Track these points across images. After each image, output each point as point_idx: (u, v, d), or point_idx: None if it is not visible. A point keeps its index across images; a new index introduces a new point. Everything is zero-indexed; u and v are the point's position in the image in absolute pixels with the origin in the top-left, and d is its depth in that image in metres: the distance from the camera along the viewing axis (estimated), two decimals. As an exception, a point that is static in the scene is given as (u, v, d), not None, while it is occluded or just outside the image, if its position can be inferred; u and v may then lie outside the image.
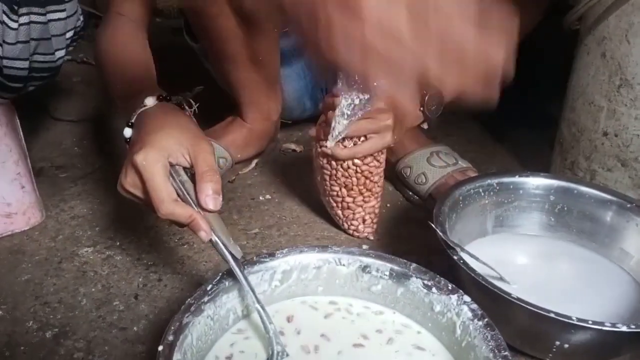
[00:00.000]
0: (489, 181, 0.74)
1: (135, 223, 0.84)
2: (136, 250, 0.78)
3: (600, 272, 0.69)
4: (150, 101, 0.64)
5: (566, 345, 0.55)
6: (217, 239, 0.56)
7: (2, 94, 0.73)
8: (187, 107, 0.71)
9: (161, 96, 0.65)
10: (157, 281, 0.73)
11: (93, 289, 0.71)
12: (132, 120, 0.64)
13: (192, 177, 0.58)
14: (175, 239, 0.80)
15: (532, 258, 0.72)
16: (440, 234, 0.62)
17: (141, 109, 0.64)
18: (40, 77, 0.78)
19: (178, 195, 0.57)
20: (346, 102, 0.69)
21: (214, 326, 0.55)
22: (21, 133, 0.83)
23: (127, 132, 0.65)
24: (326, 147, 0.73)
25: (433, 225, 0.63)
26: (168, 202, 0.55)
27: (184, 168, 0.59)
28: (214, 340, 0.55)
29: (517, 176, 0.75)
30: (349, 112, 0.70)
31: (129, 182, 0.58)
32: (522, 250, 0.72)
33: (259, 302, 0.55)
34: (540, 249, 0.73)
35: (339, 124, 0.71)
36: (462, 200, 0.71)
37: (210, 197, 0.56)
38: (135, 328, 0.66)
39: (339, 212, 0.80)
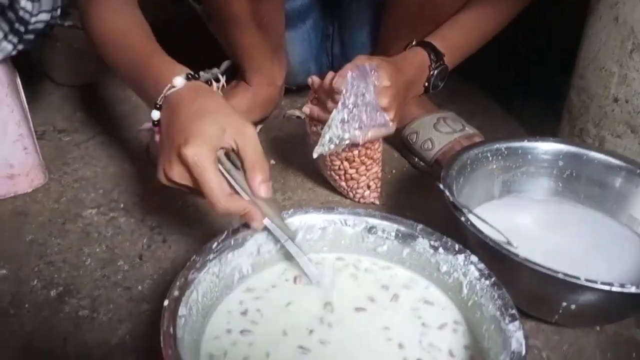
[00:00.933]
0: (497, 145, 0.73)
1: (139, 186, 0.83)
2: (140, 212, 0.77)
3: (609, 235, 0.68)
4: (179, 81, 0.60)
5: (573, 307, 0.55)
6: (270, 224, 0.56)
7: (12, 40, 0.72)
8: (214, 83, 0.67)
9: (189, 75, 0.61)
10: (162, 242, 0.72)
11: (97, 249, 0.71)
12: (160, 102, 0.60)
13: (233, 161, 0.57)
14: (180, 201, 0.79)
15: (539, 222, 0.71)
16: (448, 195, 0.62)
17: (170, 91, 0.60)
18: (44, 34, 0.76)
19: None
20: (343, 108, 0.68)
21: (219, 284, 0.55)
22: (23, 95, 0.82)
23: (155, 114, 0.61)
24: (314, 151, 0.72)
25: (441, 186, 0.62)
26: (224, 199, 0.53)
27: (225, 153, 0.57)
28: (219, 297, 0.55)
29: (525, 141, 0.74)
30: (345, 117, 0.68)
31: (177, 174, 0.55)
32: (530, 215, 0.72)
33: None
34: (548, 213, 0.72)
35: (332, 130, 0.70)
36: (470, 164, 0.70)
37: (264, 185, 0.55)
38: (139, 287, 0.66)
39: (343, 183, 0.79)
